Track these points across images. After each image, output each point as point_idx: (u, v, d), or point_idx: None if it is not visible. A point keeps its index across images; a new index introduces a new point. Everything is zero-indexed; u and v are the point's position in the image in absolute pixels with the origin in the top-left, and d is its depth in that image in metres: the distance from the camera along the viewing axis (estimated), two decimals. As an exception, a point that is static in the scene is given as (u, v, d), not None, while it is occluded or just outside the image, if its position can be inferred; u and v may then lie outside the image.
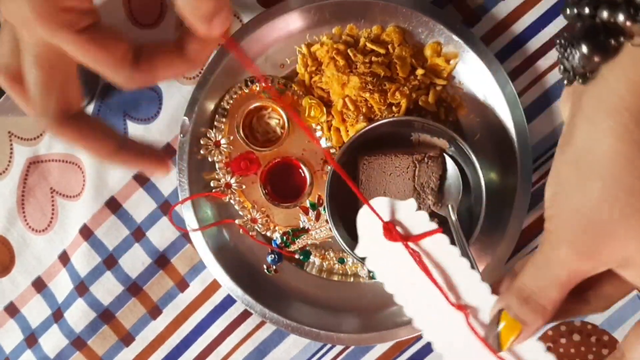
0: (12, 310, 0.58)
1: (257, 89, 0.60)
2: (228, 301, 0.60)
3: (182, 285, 0.59)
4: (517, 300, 0.33)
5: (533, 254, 0.34)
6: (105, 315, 0.58)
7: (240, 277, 0.59)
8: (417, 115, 0.59)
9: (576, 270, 0.32)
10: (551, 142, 0.58)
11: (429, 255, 0.37)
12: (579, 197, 0.31)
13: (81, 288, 0.57)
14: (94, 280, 0.57)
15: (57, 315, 0.58)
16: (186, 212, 0.59)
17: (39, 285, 0.58)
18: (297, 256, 0.61)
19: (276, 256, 0.60)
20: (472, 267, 0.37)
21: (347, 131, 0.59)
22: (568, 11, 0.32)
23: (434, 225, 0.38)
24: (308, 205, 0.60)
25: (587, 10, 0.30)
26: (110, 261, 0.58)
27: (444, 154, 0.57)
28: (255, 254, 0.61)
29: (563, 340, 0.57)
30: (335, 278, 0.61)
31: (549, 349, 0.57)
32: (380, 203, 0.38)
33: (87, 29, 0.31)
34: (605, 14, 0.30)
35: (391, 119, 0.56)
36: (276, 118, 0.61)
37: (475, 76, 0.58)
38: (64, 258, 0.57)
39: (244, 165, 0.59)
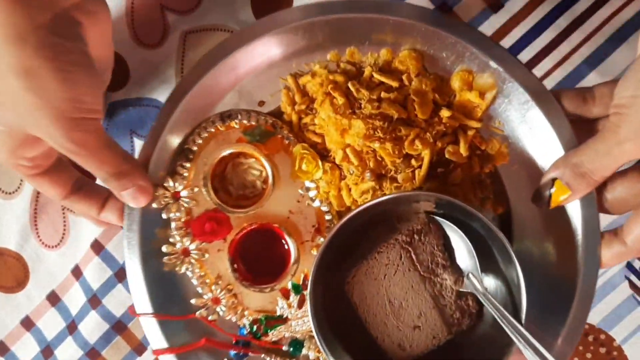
0: (28, 323, 0.60)
1: (237, 127, 0.46)
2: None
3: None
4: (572, 174, 0.41)
5: (594, 138, 0.41)
6: (118, 326, 0.58)
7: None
8: (442, 169, 0.44)
9: (632, 159, 0.39)
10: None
11: None
12: None
13: (94, 301, 0.57)
14: (106, 293, 0.57)
15: (72, 327, 0.58)
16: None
17: (54, 299, 0.59)
18: (284, 348, 0.47)
19: (241, 352, 0.46)
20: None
21: (350, 190, 0.45)
22: None
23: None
24: (290, 287, 0.46)
25: None
26: (121, 274, 0.57)
27: (433, 217, 0.45)
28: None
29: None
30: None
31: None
32: None
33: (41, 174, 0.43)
34: None
35: (379, 200, 0.41)
36: (257, 169, 0.47)
37: (521, 114, 0.45)
38: (77, 272, 0.58)
39: (210, 228, 0.47)
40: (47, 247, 0.59)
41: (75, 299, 0.59)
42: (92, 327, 0.57)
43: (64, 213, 0.58)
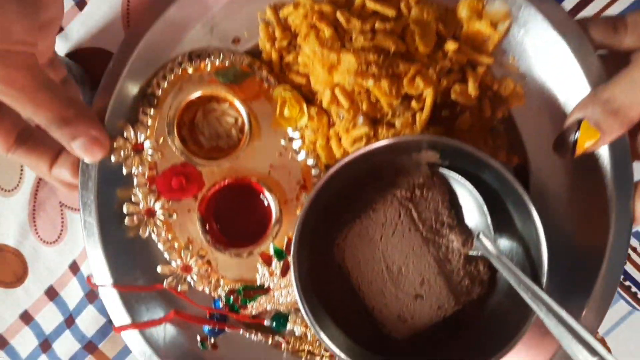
0: (26, 318, 0.61)
1: (208, 68, 0.40)
2: None
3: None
4: (602, 112, 0.35)
5: (629, 67, 0.35)
6: (115, 320, 0.60)
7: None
8: (448, 113, 0.38)
9: None
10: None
11: None
12: None
13: (91, 295, 0.58)
14: (104, 287, 0.59)
15: (69, 321, 0.60)
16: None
17: (52, 293, 0.61)
18: (266, 323, 0.41)
19: (216, 327, 0.41)
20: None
21: (340, 140, 0.39)
22: None
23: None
24: (272, 251, 0.40)
25: None
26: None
27: (437, 169, 0.39)
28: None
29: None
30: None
31: None
32: None
33: None
34: None
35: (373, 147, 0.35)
36: (232, 115, 0.41)
37: (540, 47, 0.39)
38: (74, 267, 0.59)
39: (177, 184, 0.41)
40: (45, 243, 0.60)
41: (72, 293, 0.60)
42: (90, 320, 0.58)
43: (62, 210, 0.60)
